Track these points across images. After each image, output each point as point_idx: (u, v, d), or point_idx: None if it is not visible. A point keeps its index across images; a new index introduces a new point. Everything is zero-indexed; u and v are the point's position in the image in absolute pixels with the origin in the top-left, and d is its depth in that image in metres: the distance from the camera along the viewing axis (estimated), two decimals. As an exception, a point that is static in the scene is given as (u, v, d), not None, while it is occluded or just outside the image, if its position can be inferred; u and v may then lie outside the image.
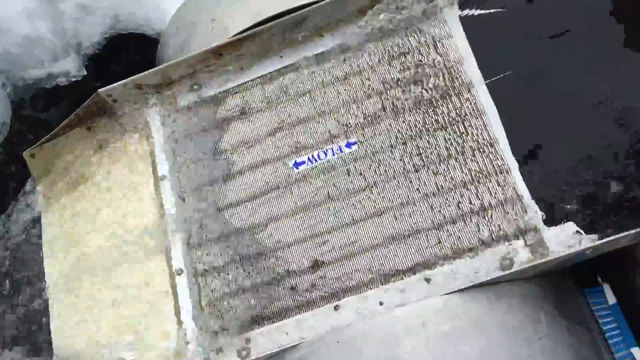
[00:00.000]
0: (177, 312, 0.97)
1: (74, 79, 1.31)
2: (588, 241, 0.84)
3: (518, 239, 0.88)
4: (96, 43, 1.37)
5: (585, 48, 0.94)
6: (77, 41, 1.33)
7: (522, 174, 0.91)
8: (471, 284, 0.84)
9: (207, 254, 1.00)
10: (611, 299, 0.98)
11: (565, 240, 0.86)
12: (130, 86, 1.09)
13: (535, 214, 0.88)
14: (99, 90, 1.08)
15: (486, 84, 0.97)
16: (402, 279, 0.91)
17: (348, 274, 0.93)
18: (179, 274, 1.00)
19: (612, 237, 0.82)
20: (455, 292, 0.84)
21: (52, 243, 1.10)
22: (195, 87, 1.11)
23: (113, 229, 1.07)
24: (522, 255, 0.87)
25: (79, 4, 1.30)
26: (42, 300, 1.07)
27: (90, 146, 1.13)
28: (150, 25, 1.37)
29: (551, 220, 0.87)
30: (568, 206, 0.87)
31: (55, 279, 1.07)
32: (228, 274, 0.98)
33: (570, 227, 0.86)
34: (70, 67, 1.30)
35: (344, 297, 0.92)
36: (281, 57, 1.09)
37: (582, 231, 0.85)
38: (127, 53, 1.46)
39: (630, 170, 0.86)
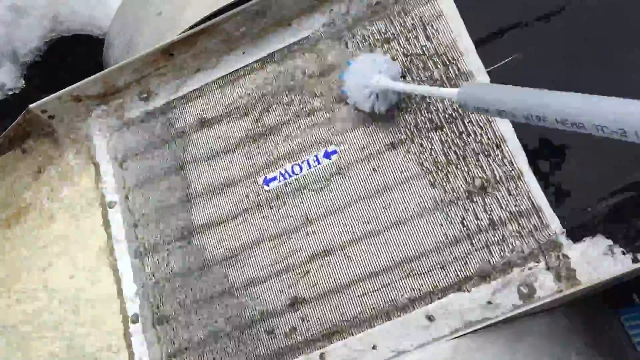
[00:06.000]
0: (134, 369, 0.82)
1: (12, 92, 1.13)
2: (627, 261, 0.68)
3: (538, 260, 0.72)
4: (35, 49, 1.19)
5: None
6: (12, 48, 1.15)
7: (537, 178, 0.74)
8: (485, 323, 0.68)
9: (166, 295, 0.84)
10: (650, 319, 0.82)
11: (597, 260, 0.69)
12: (67, 99, 0.93)
13: (557, 228, 0.72)
14: (30, 105, 0.91)
15: (488, 72, 0.80)
16: (399, 316, 0.75)
17: (334, 312, 0.77)
18: (134, 322, 0.83)
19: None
20: (466, 334, 0.68)
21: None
22: (145, 94, 0.95)
23: (59, 267, 0.91)
24: (544, 281, 0.71)
25: (10, 5, 1.11)
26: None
27: (27, 172, 0.96)
28: (96, 24, 1.19)
29: (577, 235, 0.71)
30: (598, 217, 0.70)
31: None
32: (192, 319, 0.82)
33: (603, 243, 0.70)
34: (5, 79, 1.13)
35: (330, 342, 0.76)
36: (244, 53, 0.92)
37: (618, 248, 0.69)
38: (75, 58, 1.28)
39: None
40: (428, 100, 0.81)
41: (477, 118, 0.79)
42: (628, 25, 0.76)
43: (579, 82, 0.76)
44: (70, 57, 1.25)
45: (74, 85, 0.91)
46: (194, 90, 0.93)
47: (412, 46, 0.85)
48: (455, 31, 0.83)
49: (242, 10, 0.87)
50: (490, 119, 0.78)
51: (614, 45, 0.76)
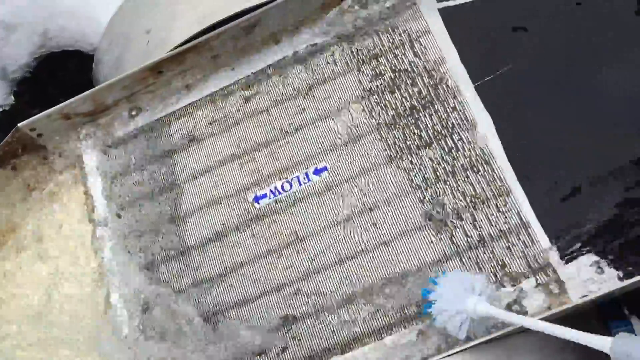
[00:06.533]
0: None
1: (1, 109, 1.13)
2: (616, 279, 0.68)
3: (527, 278, 0.72)
4: (25, 65, 1.19)
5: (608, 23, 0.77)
6: (1, 64, 1.15)
7: (527, 195, 0.75)
8: (476, 341, 0.68)
9: (156, 316, 0.83)
10: (641, 333, 0.82)
11: (587, 277, 0.69)
12: (56, 117, 0.92)
13: (547, 245, 0.72)
14: (20, 124, 0.91)
15: (475, 87, 0.81)
16: (391, 333, 0.74)
17: (326, 330, 0.77)
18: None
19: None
20: (457, 352, 0.68)
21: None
22: (135, 112, 0.95)
23: (49, 285, 0.91)
24: (534, 299, 0.71)
25: (-1, 22, 1.11)
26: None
27: (16, 190, 0.95)
28: (87, 40, 1.19)
29: (567, 252, 0.71)
30: (588, 234, 0.70)
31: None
32: (184, 340, 0.81)
33: (592, 260, 0.70)
34: (-5, 96, 1.13)
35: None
36: (233, 69, 0.93)
37: (608, 265, 0.69)
38: (64, 74, 1.27)
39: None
40: (416, 116, 0.82)
41: (466, 135, 0.79)
42: (628, 27, 0.77)
43: (579, 83, 0.76)
44: (60, 73, 1.25)
45: (64, 103, 0.91)
46: (183, 107, 0.93)
47: (400, 62, 0.85)
48: (443, 47, 0.83)
49: (230, 27, 0.87)
50: (479, 137, 0.78)
51: (614, 45, 0.77)
